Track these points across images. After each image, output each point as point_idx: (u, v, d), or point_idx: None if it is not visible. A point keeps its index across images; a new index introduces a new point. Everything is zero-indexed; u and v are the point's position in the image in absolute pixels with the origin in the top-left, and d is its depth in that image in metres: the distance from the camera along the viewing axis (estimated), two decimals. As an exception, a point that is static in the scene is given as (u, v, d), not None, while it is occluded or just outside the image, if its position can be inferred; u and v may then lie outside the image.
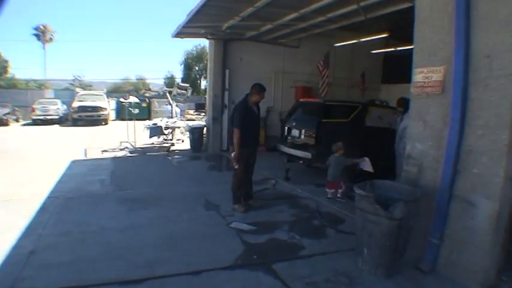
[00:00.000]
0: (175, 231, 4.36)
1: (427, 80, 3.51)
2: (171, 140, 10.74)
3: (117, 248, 3.81)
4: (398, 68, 12.70)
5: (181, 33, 9.05)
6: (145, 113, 16.51)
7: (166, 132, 10.60)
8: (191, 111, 16.68)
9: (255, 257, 3.71)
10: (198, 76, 39.99)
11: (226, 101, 10.12)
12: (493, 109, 2.99)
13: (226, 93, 10.10)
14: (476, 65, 3.08)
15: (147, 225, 4.52)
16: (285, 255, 3.79)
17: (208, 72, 10.48)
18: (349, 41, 10.81)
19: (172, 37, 9.22)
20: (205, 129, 10.51)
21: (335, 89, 11.14)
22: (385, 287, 3.20)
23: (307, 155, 6.81)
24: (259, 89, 5.18)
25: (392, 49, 11.28)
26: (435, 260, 3.41)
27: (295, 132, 7.31)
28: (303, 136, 7.14)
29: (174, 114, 11.60)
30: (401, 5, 6.20)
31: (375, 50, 12.28)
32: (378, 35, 9.51)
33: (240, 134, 4.93)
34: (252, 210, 5.21)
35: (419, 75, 3.60)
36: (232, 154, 5.06)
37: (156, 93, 15.71)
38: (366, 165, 5.80)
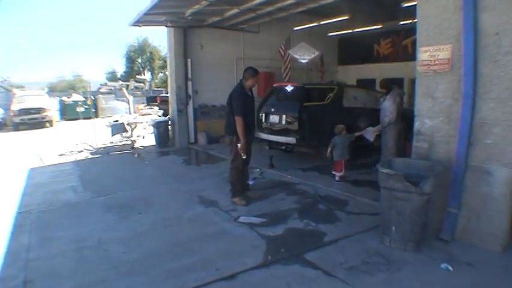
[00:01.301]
0: (183, 234, 4.08)
1: (434, 58, 3.64)
2: (131, 137, 10.03)
3: (127, 262, 3.44)
4: (354, 50, 13.29)
5: (140, 22, 8.34)
6: (91, 111, 15.20)
7: (128, 128, 9.86)
8: (141, 106, 15.72)
9: (283, 250, 3.61)
10: (141, 68, 38.28)
11: (190, 92, 9.68)
12: (503, 83, 3.20)
13: (190, 83, 9.65)
14: (485, 42, 3.26)
15: (148, 231, 4.16)
16: (311, 243, 3.75)
17: (168, 62, 9.90)
18: (307, 24, 10.88)
19: (130, 26, 8.46)
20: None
21: (295, 72, 11.22)
22: (418, 261, 3.33)
23: (291, 140, 6.80)
24: (252, 72, 4.97)
25: (350, 31, 11.61)
26: (454, 228, 3.64)
27: (274, 118, 7.23)
28: (283, 121, 7.09)
29: (131, 110, 10.80)
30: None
31: (331, 32, 12.54)
32: (338, 18, 9.65)
33: (243, 121, 4.72)
34: (252, 202, 5.08)
35: (424, 53, 3.72)
36: (239, 144, 4.81)
37: (112, 89, 14.52)
38: (369, 134, 6.14)
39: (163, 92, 20.73)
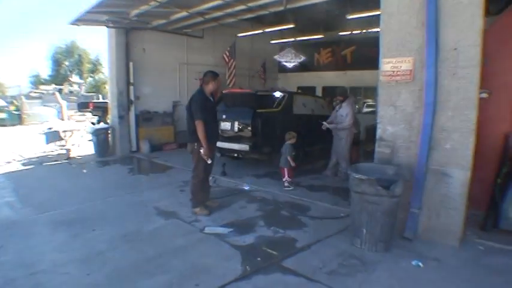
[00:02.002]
0: (148, 249, 3.71)
1: (396, 69, 3.90)
2: (66, 145, 9.03)
3: (95, 286, 3.03)
4: None
5: (80, 20, 7.59)
6: (15, 118, 13.29)
7: (63, 136, 8.85)
8: (71, 112, 14.36)
9: (259, 259, 3.51)
10: (69, 72, 35.34)
11: (132, 97, 9.09)
12: (461, 94, 3.55)
13: (132, 88, 9.06)
14: (444, 56, 3.59)
15: (109, 249, 3.71)
16: (285, 250, 3.70)
17: (109, 66, 9.14)
18: (251, 31, 11.00)
19: (70, 24, 7.65)
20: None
21: (237, 79, 11.24)
22: (390, 260, 3.48)
23: (244, 147, 6.74)
24: (213, 76, 4.81)
25: (292, 39, 11.99)
26: (416, 227, 3.90)
27: (225, 125, 7.11)
28: (236, 128, 7.01)
29: (65, 116, 9.77)
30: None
31: (273, 40, 12.83)
32: (282, 26, 9.91)
33: (204, 126, 4.52)
34: (214, 211, 4.88)
35: (387, 65, 3.97)
36: (202, 150, 4.56)
37: (44, 93, 12.93)
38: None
39: (95, 97, 19.36)
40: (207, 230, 4.27)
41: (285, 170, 6.04)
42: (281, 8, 7.20)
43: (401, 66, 3.86)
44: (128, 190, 5.97)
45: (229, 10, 7.55)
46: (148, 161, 8.59)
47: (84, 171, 7.49)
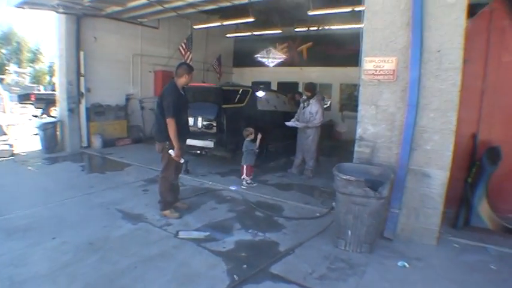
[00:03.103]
0: (120, 259, 3.31)
1: (379, 68, 3.88)
2: (8, 140, 7.96)
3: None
4: (249, 52, 13.53)
5: (28, 2, 6.64)
6: None
7: (6, 130, 7.77)
8: (11, 104, 12.88)
9: (245, 266, 3.29)
10: (6, 61, 31.86)
11: (83, 89, 8.28)
12: (443, 96, 3.60)
13: (82, 79, 8.25)
14: (428, 57, 3.61)
15: (75, 261, 3.24)
16: (269, 255, 3.52)
17: (58, 55, 8.11)
18: (208, 23, 10.61)
19: (14, 6, 6.64)
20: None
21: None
22: (375, 261, 3.46)
23: (208, 144, 6.44)
24: (187, 68, 4.45)
25: (249, 33, 11.74)
26: (395, 227, 3.94)
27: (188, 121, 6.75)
28: (199, 124, 6.68)
29: (7, 109, 8.63)
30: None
31: (228, 33, 12.48)
32: (240, 20, 9.63)
33: (176, 124, 4.18)
34: (183, 213, 4.57)
35: (370, 63, 3.93)
36: (171, 152, 4.21)
37: None
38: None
39: (36, 88, 17.58)
40: (181, 234, 3.96)
41: (244, 167, 5.96)
42: (246, 1, 6.97)
43: (384, 66, 3.84)
44: (85, 190, 5.38)
45: (191, 0, 7.13)
46: (101, 157, 7.89)
47: (30, 168, 6.68)
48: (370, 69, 3.93)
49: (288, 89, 11.48)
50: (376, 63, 3.89)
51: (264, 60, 10.71)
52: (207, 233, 4.01)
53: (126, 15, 8.62)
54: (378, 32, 3.87)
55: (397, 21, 3.74)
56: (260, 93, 7.47)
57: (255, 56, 10.99)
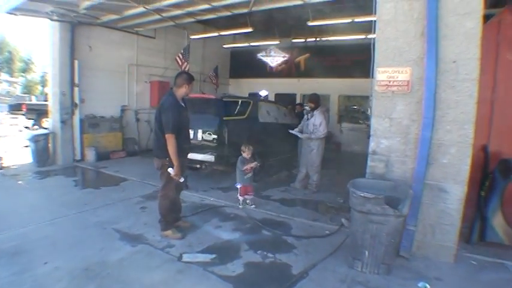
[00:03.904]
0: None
1: (392, 79, 3.73)
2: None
3: None
4: (246, 63, 13.40)
5: (20, 9, 6.38)
6: None
7: None
8: (1, 115, 12.51)
9: (260, 292, 3.07)
10: None
11: (77, 100, 7.98)
12: (459, 108, 3.46)
13: (76, 89, 7.96)
14: (444, 68, 3.48)
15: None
16: (283, 280, 3.28)
17: (51, 64, 7.83)
18: (204, 34, 10.47)
19: (6, 12, 6.38)
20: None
21: (190, 83, 10.66)
22: (395, 283, 3.26)
23: (209, 157, 6.17)
24: (188, 78, 4.18)
25: (246, 44, 11.62)
26: (411, 245, 3.75)
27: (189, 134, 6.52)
28: (200, 137, 6.44)
29: None
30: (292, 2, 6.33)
31: (225, 44, 12.35)
32: (238, 30, 9.51)
33: (175, 140, 3.92)
34: (187, 232, 4.30)
35: (383, 74, 3.78)
36: (170, 170, 3.95)
37: None
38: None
39: (28, 98, 17.14)
40: (185, 258, 3.68)
41: (239, 187, 5.43)
42: (245, 10, 6.82)
43: (398, 77, 3.70)
44: (78, 208, 5.06)
45: (190, 9, 6.97)
46: (96, 171, 7.58)
47: (20, 182, 6.35)
48: (383, 80, 3.78)
49: (285, 100, 11.35)
50: (389, 73, 3.74)
51: (265, 59, 10.52)
52: (213, 256, 3.74)
53: (122, 24, 8.42)
54: (390, 42, 3.73)
55: (410, 30, 3.61)
56: (263, 92, 7.25)
57: (257, 54, 10.78)
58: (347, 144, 11.11)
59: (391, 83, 3.74)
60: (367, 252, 3.39)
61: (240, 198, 5.42)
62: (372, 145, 3.94)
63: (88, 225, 4.49)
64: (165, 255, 3.74)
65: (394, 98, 3.76)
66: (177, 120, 3.97)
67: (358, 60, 10.52)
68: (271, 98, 12.99)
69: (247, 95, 12.51)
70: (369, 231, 3.33)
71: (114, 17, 7.58)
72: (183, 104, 4.28)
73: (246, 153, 5.41)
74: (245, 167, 5.35)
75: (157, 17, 7.56)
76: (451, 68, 3.45)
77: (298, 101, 12.17)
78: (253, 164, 5.42)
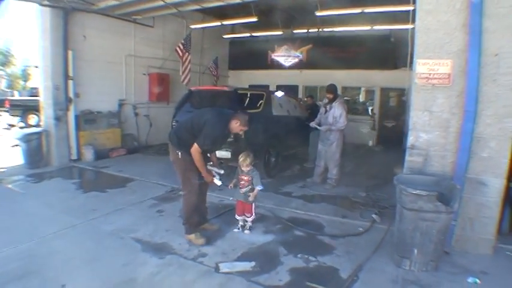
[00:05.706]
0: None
1: (433, 72, 3.65)
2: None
3: None
4: (246, 55, 12.98)
5: None
6: None
7: None
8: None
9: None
10: None
11: (71, 94, 7.44)
12: (500, 101, 3.44)
13: (71, 82, 7.39)
14: (485, 61, 3.43)
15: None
16: (335, 285, 3.16)
17: (41, 54, 7.24)
18: (204, 23, 10.05)
19: None
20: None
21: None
22: (446, 280, 3.24)
23: (225, 154, 5.92)
24: (245, 122, 3.90)
25: (248, 35, 11.26)
26: (451, 239, 3.74)
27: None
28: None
29: None
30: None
31: (224, 34, 11.96)
32: (242, 20, 9.16)
33: (200, 152, 3.73)
34: (213, 237, 4.06)
35: (423, 66, 3.69)
36: (216, 181, 3.93)
37: None
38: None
39: (10, 93, 16.10)
40: (223, 268, 3.41)
41: (239, 204, 4.35)
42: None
43: (438, 69, 3.62)
44: (86, 215, 4.60)
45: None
46: (96, 171, 7.11)
47: (12, 187, 5.87)
48: (423, 73, 3.69)
49: (287, 92, 11.15)
50: (430, 66, 3.65)
51: (279, 59, 10.25)
52: (253, 263, 3.50)
53: (120, 10, 7.89)
54: (431, 33, 3.62)
55: (452, 21, 3.52)
56: (279, 93, 7.08)
57: (273, 54, 10.47)
58: (349, 136, 11.05)
59: (431, 76, 3.65)
60: (416, 250, 3.34)
61: (238, 218, 4.35)
62: (411, 139, 3.87)
63: (102, 235, 4.07)
64: (199, 266, 3.46)
65: (435, 91, 3.69)
66: (215, 142, 3.84)
67: (362, 52, 10.44)
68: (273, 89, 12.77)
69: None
70: (419, 229, 3.28)
71: (112, 3, 7.06)
72: (227, 132, 4.00)
73: (245, 166, 4.21)
74: (232, 182, 4.36)
75: (160, 3, 7.11)
76: (493, 61, 3.40)
77: (300, 93, 11.99)
78: (250, 185, 4.25)
